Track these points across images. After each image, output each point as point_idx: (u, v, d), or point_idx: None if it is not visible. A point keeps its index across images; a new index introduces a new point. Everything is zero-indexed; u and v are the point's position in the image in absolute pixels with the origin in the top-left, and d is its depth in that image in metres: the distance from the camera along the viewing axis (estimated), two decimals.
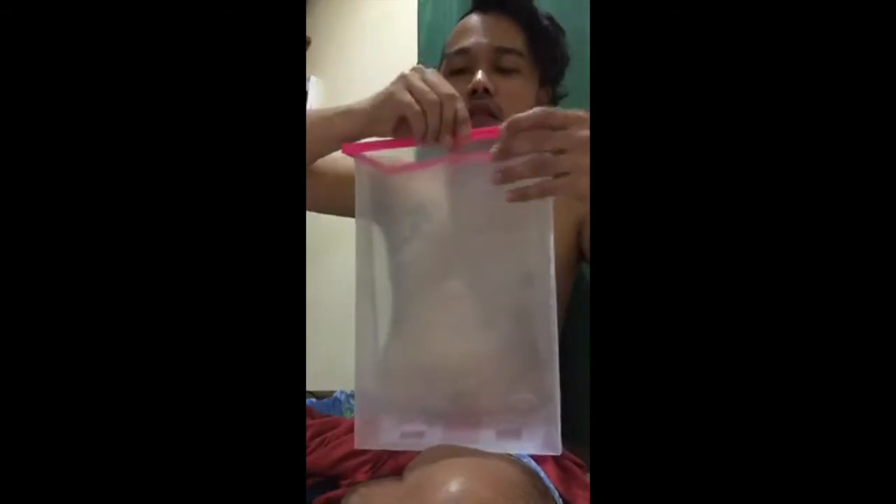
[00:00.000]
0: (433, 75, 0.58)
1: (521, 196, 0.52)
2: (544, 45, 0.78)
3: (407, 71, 0.59)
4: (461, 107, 0.56)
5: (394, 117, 0.58)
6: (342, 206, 0.79)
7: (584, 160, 0.49)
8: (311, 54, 2.01)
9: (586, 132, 0.49)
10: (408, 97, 0.56)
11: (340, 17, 2.01)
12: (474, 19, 0.78)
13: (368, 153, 0.59)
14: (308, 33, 2.01)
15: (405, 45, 1.46)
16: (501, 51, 0.74)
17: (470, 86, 0.72)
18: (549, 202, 0.53)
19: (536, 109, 0.51)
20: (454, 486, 0.43)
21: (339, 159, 0.82)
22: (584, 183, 0.49)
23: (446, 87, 0.56)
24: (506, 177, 0.52)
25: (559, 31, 0.82)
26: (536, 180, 0.51)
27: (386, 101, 0.59)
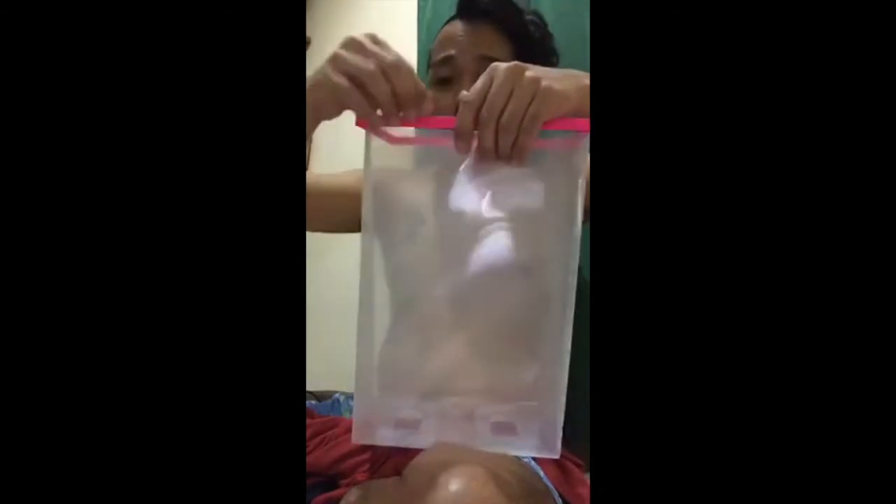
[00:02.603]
0: (371, 45, 0.49)
1: (518, 150, 0.48)
2: (532, 52, 0.75)
3: (339, 49, 0.50)
4: (415, 78, 0.49)
5: (338, 107, 0.51)
6: (335, 223, 0.79)
7: (538, 80, 0.48)
8: (311, 54, 2.01)
9: (509, 64, 0.49)
10: (342, 80, 0.48)
11: (340, 17, 2.01)
12: (458, 27, 0.76)
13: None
14: (308, 33, 2.01)
15: (405, 45, 1.46)
16: (487, 59, 0.70)
17: (458, 98, 0.71)
18: (577, 188, 0.50)
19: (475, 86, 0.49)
20: (454, 486, 0.43)
21: (329, 177, 0.82)
22: (554, 91, 0.48)
23: (385, 55, 0.48)
24: (485, 151, 0.49)
25: (548, 35, 0.81)
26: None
27: (322, 88, 0.50)
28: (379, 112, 0.49)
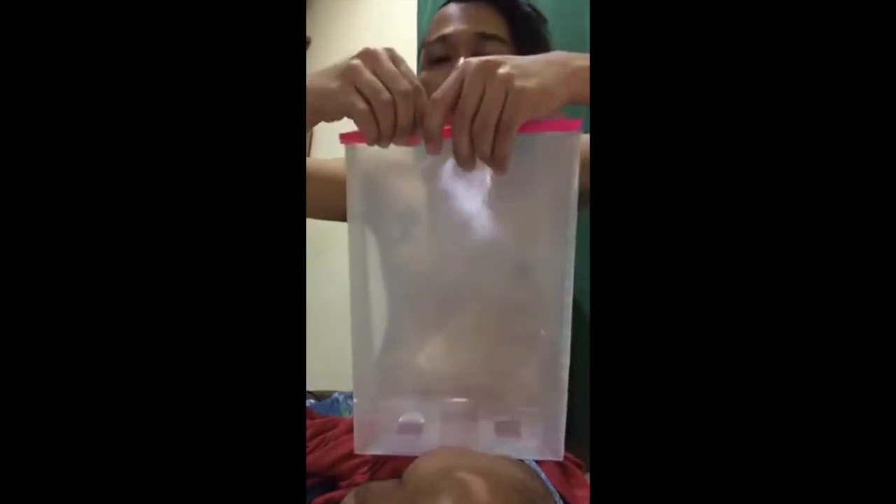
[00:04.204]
0: (388, 65, 0.47)
1: (495, 158, 0.45)
2: (527, 33, 0.75)
3: (355, 60, 0.48)
4: (422, 104, 0.47)
5: (341, 115, 0.49)
6: (333, 211, 0.79)
7: (510, 79, 0.44)
8: (311, 54, 2.01)
9: (479, 60, 0.46)
10: (352, 97, 0.46)
11: (340, 17, 2.01)
12: (454, 8, 0.75)
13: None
14: (308, 33, 2.01)
15: (405, 45, 1.46)
16: (483, 37, 0.71)
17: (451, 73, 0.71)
18: (572, 181, 0.47)
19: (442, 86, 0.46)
20: (453, 492, 0.43)
21: (327, 162, 0.81)
22: (529, 91, 0.44)
23: (402, 83, 0.46)
24: (461, 159, 0.46)
25: (541, 19, 0.80)
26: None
27: (330, 98, 0.48)
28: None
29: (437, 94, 0.46)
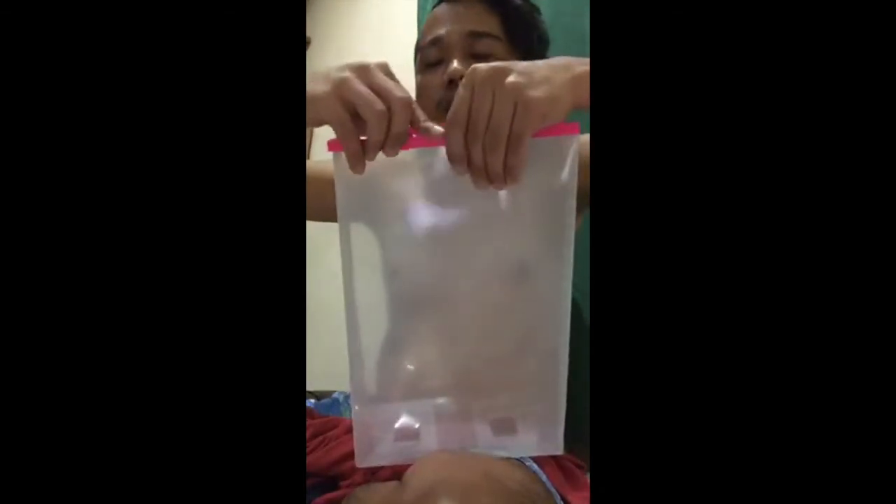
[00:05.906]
0: (381, 77, 0.47)
1: (508, 170, 0.45)
2: (520, 27, 0.74)
3: (347, 73, 0.47)
4: (411, 118, 0.47)
5: (320, 124, 0.48)
6: (333, 213, 0.79)
7: (519, 89, 0.43)
8: (311, 54, 2.02)
9: (488, 69, 0.45)
10: (338, 109, 0.46)
11: (340, 17, 2.01)
12: (444, 9, 0.75)
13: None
14: (308, 33, 2.02)
15: (405, 45, 1.46)
16: (475, 35, 0.71)
17: (446, 76, 0.70)
18: (570, 185, 0.47)
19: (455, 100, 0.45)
20: (455, 491, 0.43)
21: (321, 164, 0.81)
22: (538, 101, 0.44)
23: (399, 91, 0.46)
24: (476, 174, 0.46)
25: (535, 10, 0.79)
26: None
27: (319, 108, 0.47)
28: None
29: (451, 115, 0.45)
